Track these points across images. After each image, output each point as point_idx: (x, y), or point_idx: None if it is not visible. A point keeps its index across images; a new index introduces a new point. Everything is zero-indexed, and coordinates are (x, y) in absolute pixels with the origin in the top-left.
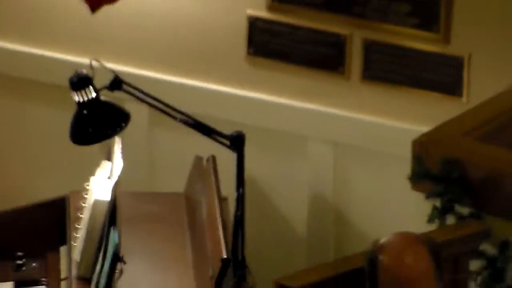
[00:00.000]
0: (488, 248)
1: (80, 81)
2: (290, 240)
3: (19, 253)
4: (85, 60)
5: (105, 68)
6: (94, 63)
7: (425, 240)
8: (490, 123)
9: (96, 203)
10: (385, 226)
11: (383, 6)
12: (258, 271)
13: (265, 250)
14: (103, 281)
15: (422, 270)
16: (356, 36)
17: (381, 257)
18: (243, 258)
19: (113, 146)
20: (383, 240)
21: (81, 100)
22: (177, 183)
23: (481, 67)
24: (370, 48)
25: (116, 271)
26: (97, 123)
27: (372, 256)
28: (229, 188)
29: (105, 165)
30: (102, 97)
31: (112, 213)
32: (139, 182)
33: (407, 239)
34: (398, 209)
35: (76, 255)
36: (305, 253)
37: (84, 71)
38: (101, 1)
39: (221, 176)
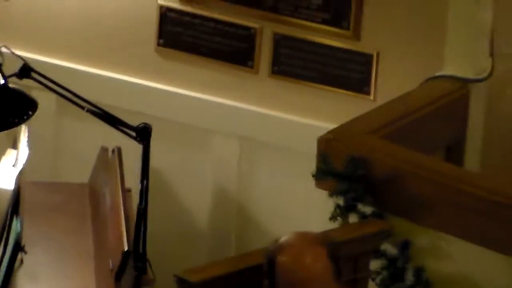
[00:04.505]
0: (388, 248)
1: None
2: (192, 235)
3: None
4: None
5: (14, 55)
6: (4, 49)
7: (324, 239)
8: (395, 123)
9: (0, 191)
10: (289, 223)
11: (294, 0)
12: (159, 265)
13: (167, 244)
14: (3, 270)
15: (320, 270)
16: (266, 30)
17: (279, 257)
18: (144, 251)
19: (20, 134)
20: (282, 239)
21: None
22: (82, 174)
23: (389, 65)
24: (279, 42)
25: (17, 261)
26: (4, 110)
27: (271, 256)
28: (134, 180)
29: (10, 153)
30: (10, 85)
31: (15, 202)
32: (44, 171)
33: (306, 239)
34: (302, 206)
35: None
36: (207, 248)
37: None
38: None
39: (126, 168)
